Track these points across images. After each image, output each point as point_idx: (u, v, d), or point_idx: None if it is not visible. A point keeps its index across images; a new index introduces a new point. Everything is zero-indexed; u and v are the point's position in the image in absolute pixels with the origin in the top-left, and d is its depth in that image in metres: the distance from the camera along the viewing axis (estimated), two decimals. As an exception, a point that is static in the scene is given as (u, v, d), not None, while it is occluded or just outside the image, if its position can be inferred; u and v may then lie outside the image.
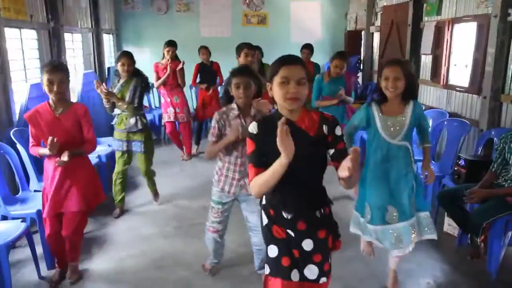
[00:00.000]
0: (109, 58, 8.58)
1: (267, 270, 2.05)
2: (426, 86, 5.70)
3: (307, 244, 2.00)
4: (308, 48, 6.40)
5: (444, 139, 4.62)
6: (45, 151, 2.92)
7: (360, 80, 8.33)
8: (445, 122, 4.58)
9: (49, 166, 3.08)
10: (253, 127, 1.93)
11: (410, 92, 2.82)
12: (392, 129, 2.80)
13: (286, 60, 1.88)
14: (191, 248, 3.68)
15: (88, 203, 3.16)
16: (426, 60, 5.69)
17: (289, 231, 2.00)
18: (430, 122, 5.10)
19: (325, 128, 1.91)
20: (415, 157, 2.99)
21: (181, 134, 6.39)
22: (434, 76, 5.35)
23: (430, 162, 3.01)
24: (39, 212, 3.38)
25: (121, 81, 4.31)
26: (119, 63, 4.28)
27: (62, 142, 2.92)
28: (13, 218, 3.41)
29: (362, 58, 8.28)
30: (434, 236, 2.95)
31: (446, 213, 3.84)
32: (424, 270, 3.40)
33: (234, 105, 2.83)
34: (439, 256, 3.59)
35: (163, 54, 6.01)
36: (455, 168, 3.95)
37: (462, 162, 3.88)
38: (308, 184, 1.97)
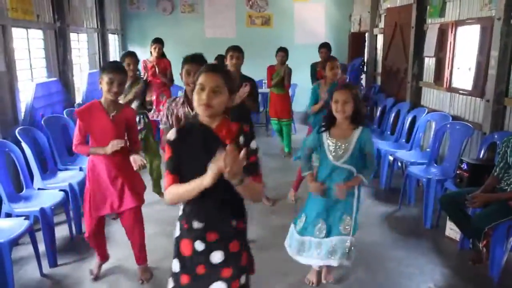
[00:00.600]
0: (114, 58, 8.62)
1: (170, 283, 2.04)
2: (429, 89, 5.69)
3: (217, 257, 1.93)
4: (325, 47, 6.46)
5: (446, 143, 4.61)
6: (101, 150, 2.96)
7: (363, 82, 8.33)
8: (448, 125, 4.57)
9: (97, 167, 3.07)
10: (171, 133, 1.94)
11: (358, 117, 2.91)
12: (338, 151, 2.90)
13: (205, 68, 1.93)
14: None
15: (141, 197, 3.23)
16: (429, 63, 5.68)
17: (198, 243, 1.94)
18: (433, 125, 5.10)
19: (241, 139, 1.91)
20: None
21: None
22: (437, 78, 5.35)
23: (362, 183, 2.94)
24: (42, 210, 3.41)
25: (127, 83, 4.36)
26: (125, 64, 4.31)
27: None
28: (17, 216, 3.44)
29: (365, 60, 8.28)
30: (347, 263, 2.91)
31: (448, 217, 3.84)
32: (425, 274, 3.40)
33: (182, 93, 2.95)
34: (441, 261, 3.59)
35: (150, 52, 6.07)
36: (458, 172, 3.95)
37: (464, 166, 3.87)
38: (221, 194, 1.87)
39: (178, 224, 2.04)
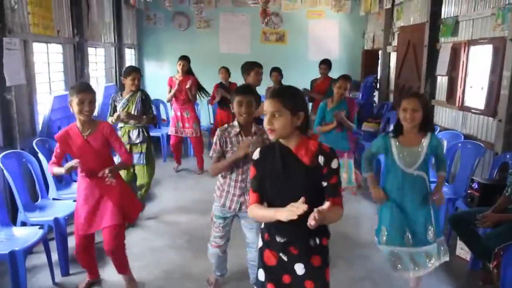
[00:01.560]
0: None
1: None
2: (441, 108, 5.69)
3: (299, 268, 2.02)
4: (325, 63, 6.51)
5: (458, 162, 4.59)
6: (59, 170, 2.99)
7: (376, 99, 8.35)
8: (460, 144, 4.56)
9: (82, 185, 3.12)
10: (256, 154, 2.05)
11: (427, 124, 2.95)
12: (408, 159, 2.91)
13: (268, 94, 2.00)
14: (200, 262, 3.72)
15: (126, 215, 3.19)
16: (442, 81, 5.69)
17: (281, 254, 2.04)
18: (445, 144, 5.09)
19: (321, 158, 1.96)
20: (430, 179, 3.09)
21: (193, 148, 6.52)
22: (450, 97, 5.35)
23: (442, 188, 3.07)
24: (56, 220, 3.49)
25: (126, 95, 4.47)
26: (129, 78, 4.43)
27: (93, 163, 3.00)
28: (32, 225, 3.52)
29: (378, 77, 8.31)
30: (447, 258, 3.07)
31: (458, 237, 3.81)
32: (434, 293, 3.37)
33: (235, 123, 2.92)
34: (451, 281, 3.56)
35: (177, 69, 6.16)
36: (469, 191, 3.93)
37: (475, 185, 3.85)
38: (304, 213, 1.89)
39: (260, 236, 2.16)
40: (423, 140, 2.92)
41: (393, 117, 6.73)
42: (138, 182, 4.67)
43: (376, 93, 8.35)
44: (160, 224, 4.62)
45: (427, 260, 2.97)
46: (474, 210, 3.51)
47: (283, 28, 9.52)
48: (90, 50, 6.29)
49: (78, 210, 3.14)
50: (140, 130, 4.51)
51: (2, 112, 4.02)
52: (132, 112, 4.44)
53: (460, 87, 5.14)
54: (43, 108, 4.76)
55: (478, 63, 4.96)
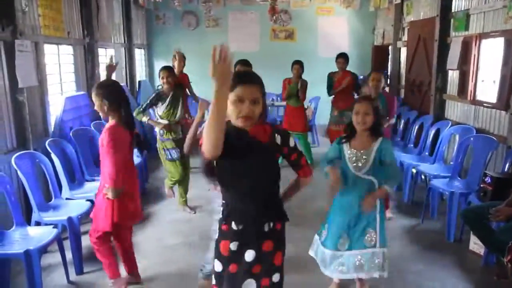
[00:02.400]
0: (141, 72, 8.85)
1: (213, 281, 2.11)
2: (453, 102, 5.63)
3: (249, 255, 2.01)
4: (342, 57, 6.44)
5: (470, 156, 4.55)
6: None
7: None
8: (472, 138, 4.52)
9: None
10: None
11: (377, 128, 2.96)
12: (358, 163, 2.92)
13: (243, 79, 1.90)
14: (214, 259, 3.74)
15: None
16: (453, 76, 5.64)
17: (233, 243, 2.01)
18: (457, 138, 5.04)
19: (277, 137, 1.99)
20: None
21: None
22: (461, 91, 5.30)
23: (377, 199, 2.95)
24: (69, 219, 3.54)
25: (169, 96, 4.53)
26: (160, 78, 4.55)
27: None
28: (46, 224, 3.57)
29: (389, 73, 8.25)
30: (376, 275, 2.95)
31: (471, 231, 3.78)
32: (447, 288, 3.35)
33: None
34: (464, 275, 3.53)
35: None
36: (481, 185, 3.89)
37: (488, 179, 3.81)
38: (259, 194, 1.99)
39: (217, 228, 2.10)
40: (373, 144, 2.91)
41: (404, 113, 6.69)
42: (180, 176, 4.73)
43: (386, 89, 8.29)
44: (172, 222, 4.65)
45: (359, 268, 2.93)
46: (487, 204, 3.48)
47: (292, 25, 9.51)
48: (100, 51, 6.35)
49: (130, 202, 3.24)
50: (181, 125, 4.71)
51: (14, 114, 4.07)
52: (179, 111, 4.63)
53: (472, 81, 5.09)
54: (55, 109, 4.82)
55: (490, 57, 4.90)
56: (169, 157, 4.63)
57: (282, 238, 2.12)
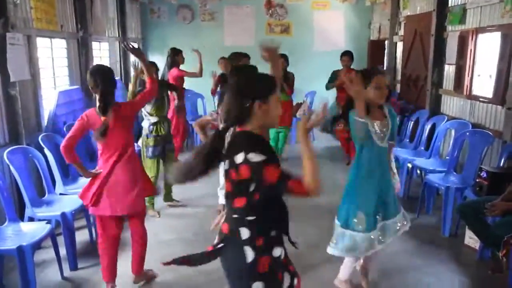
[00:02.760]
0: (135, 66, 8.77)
1: None
2: (449, 97, 5.62)
3: (278, 251, 1.97)
4: (347, 55, 6.43)
5: (466, 151, 4.54)
6: None
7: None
8: (468, 133, 4.51)
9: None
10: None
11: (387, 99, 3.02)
12: (381, 133, 2.92)
13: (378, 70, 1.92)
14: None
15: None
16: (449, 70, 5.62)
17: (273, 252, 1.92)
18: (453, 133, 5.04)
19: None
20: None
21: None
22: (458, 86, 5.28)
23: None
24: (63, 215, 3.50)
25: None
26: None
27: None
28: (39, 220, 3.53)
29: (385, 68, 8.23)
30: (409, 225, 3.10)
31: (467, 226, 3.78)
32: (444, 282, 3.36)
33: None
34: (459, 269, 3.54)
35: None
36: (477, 180, 3.89)
37: (484, 174, 3.81)
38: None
39: (247, 250, 1.88)
40: (385, 112, 2.97)
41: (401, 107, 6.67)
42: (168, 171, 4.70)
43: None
44: (166, 218, 4.62)
45: (397, 228, 3.03)
46: (482, 199, 3.48)
47: (288, 19, 9.46)
48: (94, 45, 6.28)
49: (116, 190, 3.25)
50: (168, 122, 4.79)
51: (7, 108, 4.02)
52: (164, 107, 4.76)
53: (468, 76, 5.07)
54: (48, 104, 4.77)
55: (486, 51, 4.88)
56: (149, 154, 4.59)
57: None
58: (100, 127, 2.94)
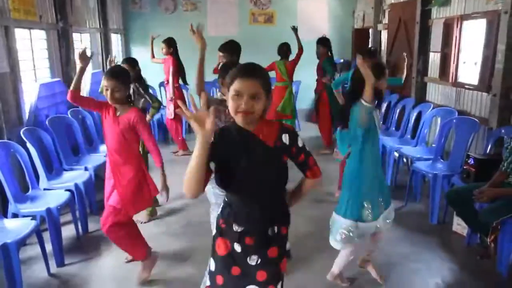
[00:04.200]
0: (117, 58, 8.60)
1: (207, 281, 2.02)
2: (434, 84, 5.66)
3: (253, 260, 1.89)
4: (319, 42, 6.59)
5: (452, 138, 4.58)
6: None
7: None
8: (454, 121, 4.54)
9: (107, 164, 3.24)
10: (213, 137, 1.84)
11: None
12: (379, 121, 2.97)
13: (242, 72, 1.77)
14: (199, 247, 3.69)
15: (125, 203, 3.10)
16: (434, 58, 5.65)
17: (236, 245, 1.90)
18: (439, 121, 5.07)
19: (285, 137, 1.84)
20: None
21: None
22: (443, 74, 5.32)
23: None
24: (48, 210, 3.42)
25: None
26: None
27: (116, 144, 3.06)
28: (23, 216, 3.44)
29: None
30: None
31: (455, 213, 3.82)
32: (433, 269, 3.38)
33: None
34: (448, 256, 3.57)
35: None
36: (464, 167, 3.92)
37: (471, 161, 3.84)
38: (263, 198, 1.87)
39: (215, 223, 2.00)
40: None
41: (385, 96, 6.69)
42: None
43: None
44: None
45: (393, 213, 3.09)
46: (470, 186, 3.51)
47: (272, 8, 9.38)
48: (75, 36, 6.12)
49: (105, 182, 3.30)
50: None
51: (-14, 102, 3.89)
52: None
53: (453, 63, 5.11)
54: (29, 97, 4.63)
55: (472, 38, 4.91)
56: None
57: (286, 244, 2.00)
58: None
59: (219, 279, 1.93)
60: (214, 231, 2.01)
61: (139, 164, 3.16)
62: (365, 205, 2.88)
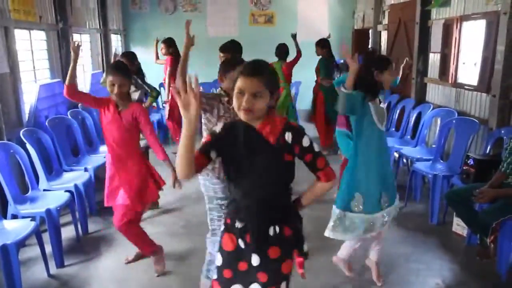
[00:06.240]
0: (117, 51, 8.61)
1: (214, 275, 2.02)
2: (434, 85, 5.66)
3: (255, 259, 1.88)
4: (317, 44, 6.59)
5: (452, 138, 4.58)
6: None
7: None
8: (454, 121, 4.54)
9: (108, 161, 3.27)
10: (219, 127, 1.90)
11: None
12: (381, 117, 2.92)
13: (245, 70, 1.79)
14: (198, 247, 3.68)
15: (133, 200, 3.16)
16: (434, 58, 5.65)
17: (240, 241, 1.91)
18: (438, 121, 5.07)
19: (288, 136, 1.81)
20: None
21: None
22: (443, 74, 5.31)
23: None
24: (48, 211, 3.41)
25: None
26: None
27: (118, 138, 3.10)
28: (23, 217, 3.44)
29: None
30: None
31: (454, 213, 3.82)
32: (433, 270, 3.38)
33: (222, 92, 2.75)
34: (448, 256, 3.57)
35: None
36: (464, 168, 3.92)
37: (471, 162, 3.84)
38: (261, 194, 1.86)
39: (222, 219, 2.06)
40: (380, 97, 2.99)
41: (385, 97, 6.69)
42: None
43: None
44: (153, 212, 4.56)
45: (395, 212, 3.07)
46: (470, 186, 3.51)
47: (272, 9, 9.39)
48: (75, 37, 6.12)
49: (106, 182, 3.31)
50: None
51: (-14, 103, 3.89)
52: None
53: (453, 64, 5.10)
54: (29, 98, 4.64)
55: (471, 39, 4.91)
56: None
57: (294, 245, 1.95)
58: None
59: (227, 273, 1.94)
60: (209, 224, 2.07)
61: (142, 158, 3.26)
62: (355, 196, 2.88)
